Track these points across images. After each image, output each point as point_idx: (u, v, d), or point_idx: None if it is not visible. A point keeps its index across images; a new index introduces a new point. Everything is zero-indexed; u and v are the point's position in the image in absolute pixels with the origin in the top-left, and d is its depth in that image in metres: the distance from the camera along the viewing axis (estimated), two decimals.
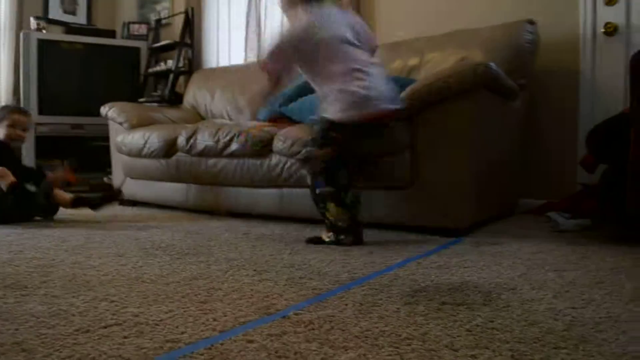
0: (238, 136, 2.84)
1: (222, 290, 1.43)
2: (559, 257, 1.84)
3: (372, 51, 2.30)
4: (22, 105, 4.29)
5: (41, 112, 4.44)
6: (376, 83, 2.07)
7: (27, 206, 2.79)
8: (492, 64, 2.24)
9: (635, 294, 1.36)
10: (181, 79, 4.76)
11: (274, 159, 2.74)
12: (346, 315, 1.20)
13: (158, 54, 4.97)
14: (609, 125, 2.12)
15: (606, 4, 2.82)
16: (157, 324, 1.14)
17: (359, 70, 2.05)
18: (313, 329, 1.11)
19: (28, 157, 4.24)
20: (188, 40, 4.68)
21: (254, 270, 1.68)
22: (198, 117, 4.22)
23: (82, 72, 4.70)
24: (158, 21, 5.01)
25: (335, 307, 1.27)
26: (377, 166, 2.32)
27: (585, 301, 1.31)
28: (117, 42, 5.00)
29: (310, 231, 2.47)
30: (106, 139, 3.94)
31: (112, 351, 0.99)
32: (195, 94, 4.34)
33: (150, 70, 4.83)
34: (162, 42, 4.81)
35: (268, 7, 4.30)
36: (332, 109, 2.07)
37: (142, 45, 4.94)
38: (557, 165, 2.95)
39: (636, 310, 1.23)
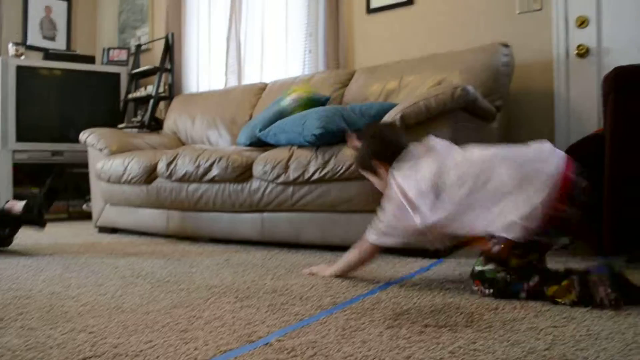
0: (219, 161, 2.83)
1: (203, 318, 1.41)
2: None
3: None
4: None
5: (20, 138, 4.40)
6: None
7: None
8: (470, 87, 2.28)
9: (616, 310, 1.37)
10: (161, 104, 4.76)
11: (255, 183, 2.74)
12: (329, 340, 1.20)
13: (138, 79, 4.97)
14: (583, 146, 2.16)
15: (578, 27, 2.90)
16: (136, 355, 1.12)
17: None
18: (295, 356, 1.10)
19: (5, 185, 4.19)
20: (168, 66, 4.68)
21: (236, 297, 1.66)
22: (179, 142, 4.21)
23: (62, 98, 4.69)
24: (138, 46, 5.02)
25: (318, 332, 1.26)
26: None
27: (566, 319, 1.31)
28: (97, 67, 5.00)
29: (292, 256, 2.47)
30: (86, 165, 3.91)
31: None
32: (175, 120, 4.34)
33: (130, 95, 4.83)
34: (142, 68, 4.82)
35: (248, 31, 4.34)
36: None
37: (122, 70, 4.94)
38: None
39: (616, 327, 1.24)
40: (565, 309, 1.41)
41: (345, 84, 3.44)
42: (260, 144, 2.98)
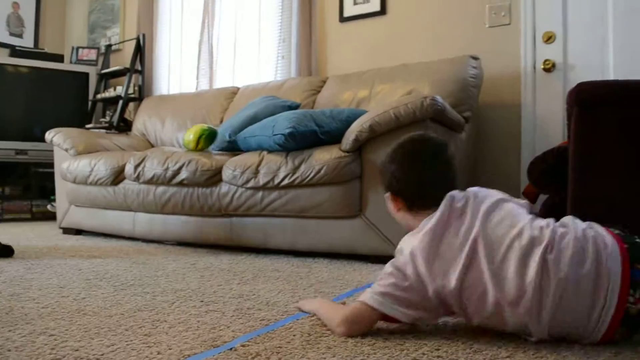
0: (188, 164, 2.81)
1: (168, 322, 1.40)
2: None
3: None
4: None
5: None
6: None
7: None
8: (439, 97, 2.32)
9: None
10: (131, 105, 4.70)
11: (224, 187, 2.72)
12: (294, 346, 1.20)
13: (107, 79, 4.90)
14: (548, 158, 2.21)
15: (545, 42, 2.98)
16: (98, 358, 1.10)
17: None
18: None
19: None
20: (139, 67, 4.63)
21: (201, 301, 1.65)
22: (147, 144, 4.15)
23: (28, 97, 4.59)
24: (108, 46, 4.95)
25: (283, 338, 1.26)
26: None
27: None
28: (65, 66, 4.91)
29: (260, 261, 2.46)
30: (51, 165, 3.83)
31: None
32: (145, 121, 4.28)
33: (99, 96, 4.75)
34: (112, 68, 4.75)
35: (221, 35, 4.32)
36: None
37: (91, 70, 4.87)
38: None
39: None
40: None
41: (317, 90, 3.45)
42: (230, 149, 2.97)
